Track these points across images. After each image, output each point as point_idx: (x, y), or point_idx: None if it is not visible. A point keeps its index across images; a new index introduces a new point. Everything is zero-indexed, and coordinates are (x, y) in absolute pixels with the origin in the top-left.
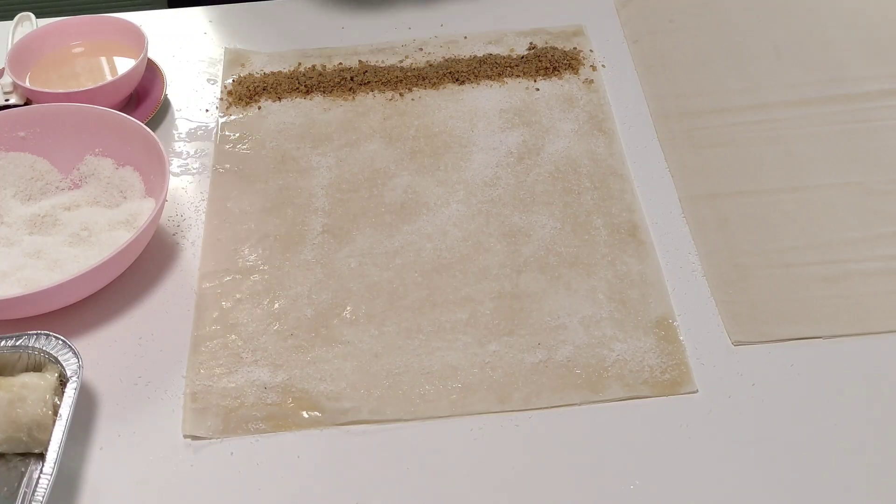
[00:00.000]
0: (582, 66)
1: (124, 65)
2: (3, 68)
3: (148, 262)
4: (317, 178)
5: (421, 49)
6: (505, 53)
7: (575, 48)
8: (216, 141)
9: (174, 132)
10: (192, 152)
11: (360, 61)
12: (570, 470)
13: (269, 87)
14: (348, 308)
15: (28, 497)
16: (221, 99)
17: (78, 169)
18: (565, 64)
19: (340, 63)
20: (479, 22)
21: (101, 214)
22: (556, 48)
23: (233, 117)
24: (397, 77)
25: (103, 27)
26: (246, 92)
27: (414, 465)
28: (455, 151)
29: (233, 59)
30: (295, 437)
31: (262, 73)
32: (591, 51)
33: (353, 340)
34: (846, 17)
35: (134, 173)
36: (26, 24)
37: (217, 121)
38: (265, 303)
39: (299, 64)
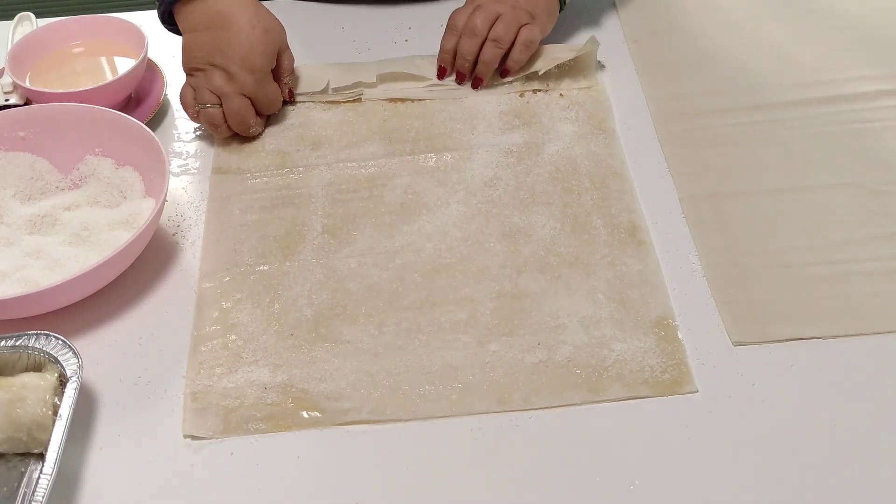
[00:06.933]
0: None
1: (124, 65)
2: (3, 68)
3: (148, 262)
4: (316, 178)
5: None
6: None
7: None
8: (216, 141)
9: (174, 132)
10: (192, 152)
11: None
12: (570, 470)
13: None
14: (348, 308)
15: (28, 497)
16: None
17: (78, 169)
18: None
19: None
20: None
21: (101, 214)
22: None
23: None
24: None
25: (103, 27)
26: None
27: (414, 465)
28: (455, 152)
29: None
30: (295, 437)
31: None
32: None
33: (353, 340)
34: (845, 18)
35: (134, 173)
36: (26, 24)
37: None
38: (265, 303)
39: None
